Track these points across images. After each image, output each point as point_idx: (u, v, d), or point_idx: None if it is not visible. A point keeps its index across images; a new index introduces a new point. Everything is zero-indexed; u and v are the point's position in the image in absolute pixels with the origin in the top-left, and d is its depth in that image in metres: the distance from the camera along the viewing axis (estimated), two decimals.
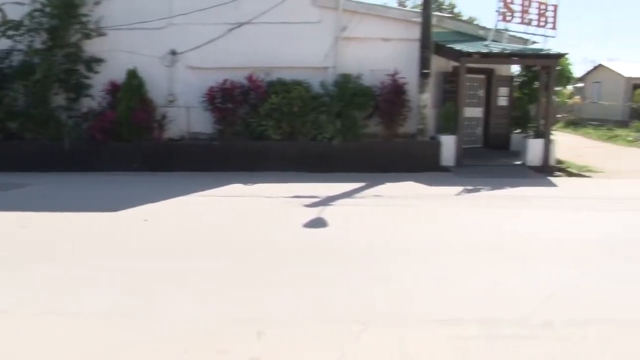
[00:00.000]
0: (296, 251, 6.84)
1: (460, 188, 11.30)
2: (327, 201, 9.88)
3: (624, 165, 16.82)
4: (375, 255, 6.73)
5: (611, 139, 25.25)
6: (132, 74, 13.83)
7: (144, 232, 7.97)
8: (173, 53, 14.76)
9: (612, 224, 8.79)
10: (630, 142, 23.79)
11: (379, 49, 15.09)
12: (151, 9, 14.38)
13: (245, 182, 11.74)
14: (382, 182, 11.80)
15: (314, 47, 14.82)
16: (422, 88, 14.02)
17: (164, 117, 14.32)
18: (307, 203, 9.68)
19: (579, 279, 5.96)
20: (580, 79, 39.56)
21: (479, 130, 16.84)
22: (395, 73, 14.13)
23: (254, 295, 5.33)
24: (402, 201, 10.12)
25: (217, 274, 5.95)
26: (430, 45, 14.08)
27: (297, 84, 14.03)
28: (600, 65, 38.87)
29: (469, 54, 13.77)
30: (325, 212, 9.00)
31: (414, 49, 14.49)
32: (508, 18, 14.56)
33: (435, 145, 14.09)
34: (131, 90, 13.69)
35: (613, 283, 5.86)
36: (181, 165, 13.69)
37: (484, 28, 16.25)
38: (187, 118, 14.81)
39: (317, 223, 8.33)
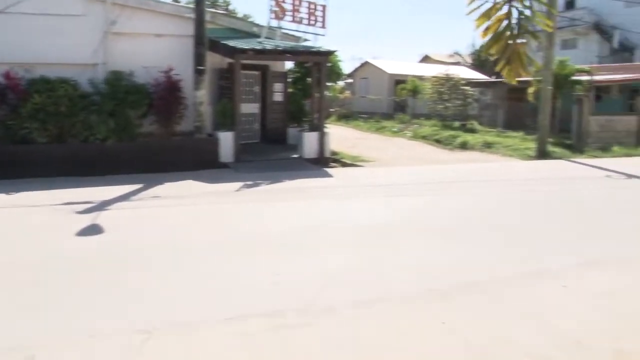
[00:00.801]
0: (68, 262, 6.25)
1: (240, 184, 11.32)
2: (102, 206, 9.23)
3: (391, 154, 18.26)
4: (157, 258, 6.40)
5: (379, 130, 27.29)
6: None
7: None
8: None
9: (384, 209, 9.44)
10: (396, 133, 25.92)
11: (152, 45, 14.57)
12: None
13: (7, 192, 10.50)
14: (161, 183, 11.38)
15: (81, 42, 13.79)
16: (197, 85, 13.79)
17: None
18: (79, 210, 8.94)
19: (357, 263, 6.26)
20: (350, 75, 42.22)
21: (256, 126, 17.06)
22: (170, 70, 13.72)
23: (20, 318, 4.73)
24: (182, 200, 9.85)
25: None
26: (205, 42, 13.88)
27: (63, 81, 12.90)
28: (366, 63, 41.85)
29: (244, 51, 13.84)
30: (100, 218, 8.39)
31: (189, 46, 14.22)
32: (280, 16, 14.92)
33: (213, 142, 13.96)
34: None
35: (387, 264, 6.24)
36: None
37: (258, 25, 16.46)
38: None
39: (92, 230, 7.72)
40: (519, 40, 3.58)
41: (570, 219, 8.90)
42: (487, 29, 3.57)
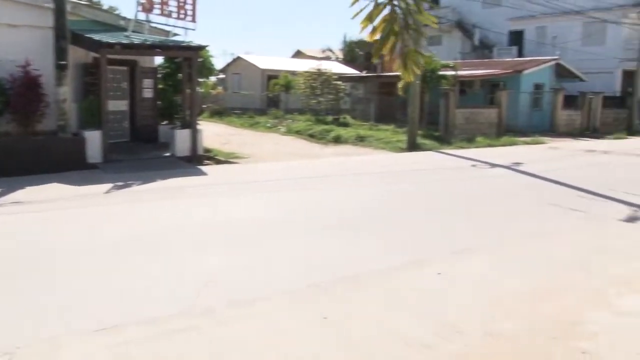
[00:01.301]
0: None
1: (109, 185, 10.77)
2: None
3: (266, 149, 18.20)
4: (20, 269, 5.89)
5: (252, 126, 27.15)
6: None
7: None
8: None
9: (261, 205, 9.37)
10: (269, 128, 25.91)
11: (6, 37, 13.50)
12: None
13: None
14: (22, 187, 10.53)
15: None
16: (59, 81, 12.92)
17: None
18: None
19: (236, 261, 6.16)
20: (222, 70, 41.72)
21: (126, 124, 16.30)
22: (27, 64, 12.79)
23: None
24: (46, 205, 9.20)
25: None
26: (67, 35, 13.01)
27: None
28: (238, 58, 41.48)
29: (110, 45, 13.17)
30: None
31: (49, 38, 13.31)
32: (148, 9, 14.35)
33: (79, 142, 13.16)
34: None
35: (266, 260, 6.18)
36: None
37: (124, 18, 15.74)
38: None
39: None
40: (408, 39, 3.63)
41: (444, 208, 9.31)
42: (373, 30, 3.58)
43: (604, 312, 4.93)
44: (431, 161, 16.00)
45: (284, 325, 4.50)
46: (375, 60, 4.15)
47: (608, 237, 7.62)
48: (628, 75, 34.21)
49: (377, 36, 3.62)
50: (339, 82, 29.57)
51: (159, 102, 16.71)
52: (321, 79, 29.21)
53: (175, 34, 15.97)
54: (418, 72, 3.97)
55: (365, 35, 3.67)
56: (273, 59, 42.29)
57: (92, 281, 5.52)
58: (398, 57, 3.72)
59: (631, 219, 8.84)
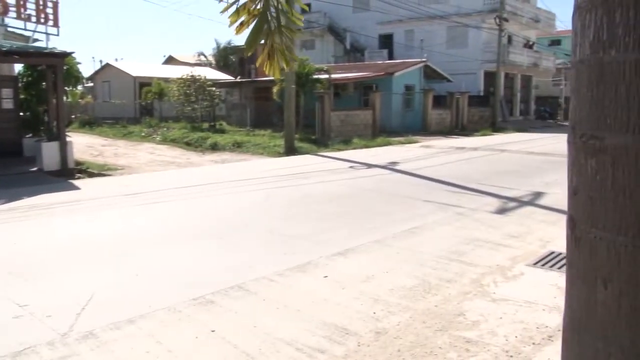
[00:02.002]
0: None
1: None
2: None
3: (141, 160, 17.58)
4: None
5: (126, 135, 26.21)
6: None
7: None
8: None
9: (138, 218, 8.97)
10: (144, 138, 25.12)
11: None
12: None
13: None
14: None
15: None
16: None
17: None
18: None
19: (115, 279, 5.81)
20: (90, 78, 39.94)
21: None
22: None
23: None
24: None
25: None
26: None
27: None
28: (108, 65, 39.93)
29: None
30: None
31: None
32: (2, 11, 13.38)
33: None
34: None
35: (146, 276, 5.90)
36: None
37: None
38: None
39: None
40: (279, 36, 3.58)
41: (324, 210, 9.38)
42: (241, 24, 3.50)
43: (483, 301, 5.14)
44: (309, 164, 16.15)
45: (171, 344, 4.29)
46: (247, 54, 4.06)
47: (481, 229, 8.01)
48: (489, 76, 36.59)
49: (245, 30, 3.55)
50: (213, 88, 29.21)
51: (21, 114, 15.63)
52: (195, 86, 28.72)
53: (37, 40, 15.03)
54: (287, 68, 3.94)
55: (233, 29, 3.58)
56: (144, 65, 41.12)
57: None
58: (266, 53, 3.67)
59: (501, 211, 9.37)
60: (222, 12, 3.39)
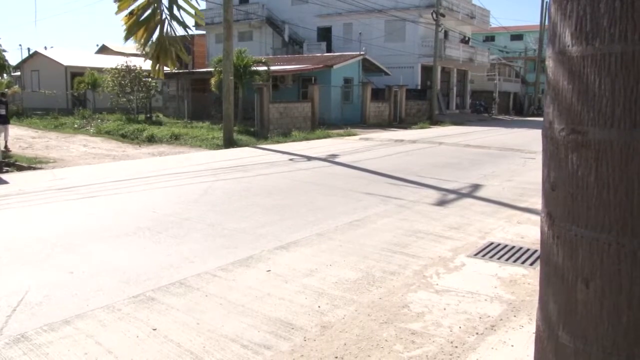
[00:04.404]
0: None
1: None
2: None
3: (74, 152, 17.00)
4: None
5: (57, 127, 25.32)
6: None
7: None
8: None
9: (71, 213, 8.63)
10: (77, 130, 24.32)
11: None
12: None
13: None
14: None
15: None
16: None
17: None
18: None
19: (48, 278, 5.53)
20: (17, 67, 38.35)
21: None
22: None
23: None
24: None
25: None
26: None
27: None
28: (37, 53, 38.44)
29: None
30: None
31: None
32: None
33: None
34: None
35: (81, 274, 5.65)
36: None
37: None
38: None
39: None
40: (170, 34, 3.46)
41: (263, 204, 9.27)
42: (131, 13, 3.36)
43: (426, 293, 5.18)
44: (248, 157, 15.99)
45: (111, 344, 4.12)
46: (125, 41, 3.91)
47: (422, 221, 8.09)
48: (426, 70, 37.20)
49: (133, 20, 3.41)
50: (150, 79, 28.52)
51: None
52: (131, 76, 28.02)
53: None
54: (173, 68, 3.85)
55: (121, 17, 3.43)
56: (77, 54, 39.81)
57: None
58: (152, 47, 3.55)
59: (441, 203, 9.50)
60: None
